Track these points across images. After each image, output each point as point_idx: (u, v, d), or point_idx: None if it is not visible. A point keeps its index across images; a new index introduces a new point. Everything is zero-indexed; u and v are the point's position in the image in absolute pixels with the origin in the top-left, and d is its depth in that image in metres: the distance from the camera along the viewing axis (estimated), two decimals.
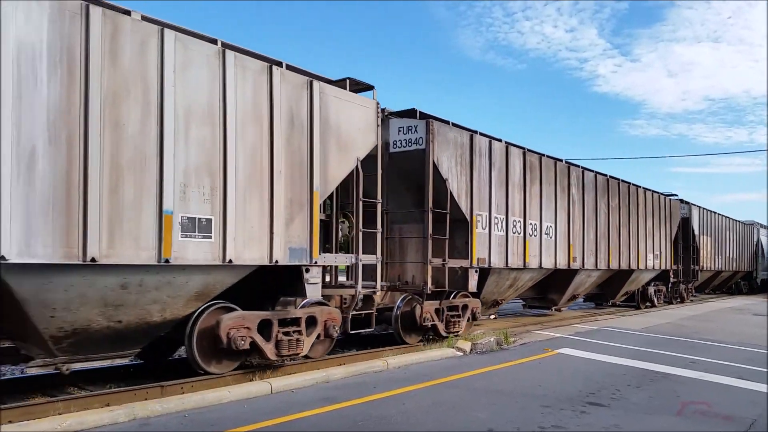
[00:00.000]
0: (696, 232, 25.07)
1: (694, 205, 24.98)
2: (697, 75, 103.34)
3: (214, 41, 7.34)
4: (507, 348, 10.77)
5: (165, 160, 6.57)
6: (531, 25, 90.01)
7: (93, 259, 5.92)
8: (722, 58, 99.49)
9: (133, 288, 6.47)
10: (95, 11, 6.02)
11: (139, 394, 6.61)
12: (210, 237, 7.01)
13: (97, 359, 6.88)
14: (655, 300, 22.15)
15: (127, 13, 6.40)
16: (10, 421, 5.53)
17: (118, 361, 7.35)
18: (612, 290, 19.60)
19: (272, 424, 5.76)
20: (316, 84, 8.44)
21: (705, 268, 26.48)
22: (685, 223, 24.33)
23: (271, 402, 6.62)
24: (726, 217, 30.13)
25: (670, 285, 23.12)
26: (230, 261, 7.21)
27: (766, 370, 9.43)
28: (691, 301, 25.91)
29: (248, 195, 7.51)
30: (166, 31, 6.64)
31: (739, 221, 33.28)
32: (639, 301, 21.51)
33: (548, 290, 16.08)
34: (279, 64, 8.08)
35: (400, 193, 11.31)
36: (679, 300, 24.55)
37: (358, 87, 9.56)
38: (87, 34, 5.98)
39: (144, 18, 6.56)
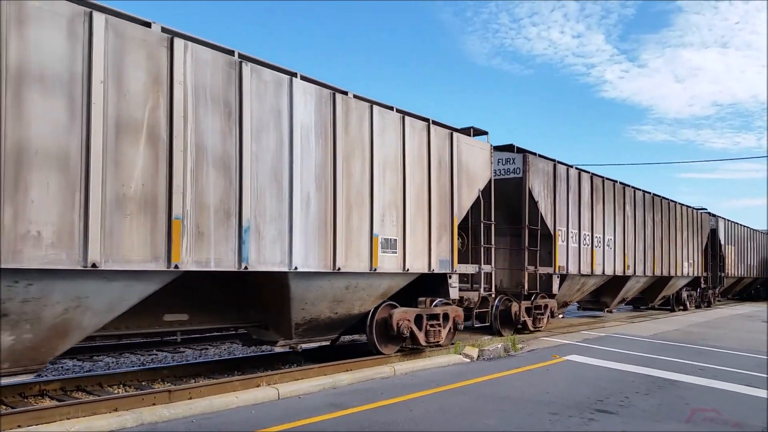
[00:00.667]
0: (722, 242, 27.84)
1: (720, 217, 27.73)
2: (705, 80, 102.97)
3: (390, 108, 9.93)
4: (514, 354, 10.73)
5: (374, 198, 9.33)
6: (538, 31, 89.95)
7: (339, 269, 8.67)
8: (730, 63, 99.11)
9: (351, 289, 9.17)
10: (339, 98, 8.80)
11: (147, 399, 6.62)
12: (396, 252, 9.76)
13: (314, 341, 9.58)
14: (688, 304, 24.46)
15: (345, 93, 9.02)
16: (19, 426, 5.55)
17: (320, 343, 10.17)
18: (651, 294, 21.85)
19: (280, 429, 5.75)
20: (454, 135, 11.15)
21: (729, 275, 28.98)
22: (713, 233, 27.04)
23: (278, 408, 6.62)
24: (747, 227, 32.83)
25: (699, 290, 25.54)
26: (407, 269, 9.93)
27: (766, 375, 9.37)
28: (718, 302, 28.99)
29: (416, 221, 10.19)
30: (375, 107, 9.42)
31: (758, 231, 35.47)
32: (674, 304, 23.97)
33: (601, 294, 18.58)
34: (426, 120, 10.66)
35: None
36: (706, 304, 26.70)
37: (477, 132, 12.13)
38: (334, 114, 8.75)
39: (356, 96, 9.20)
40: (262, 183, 7.72)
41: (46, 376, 8.66)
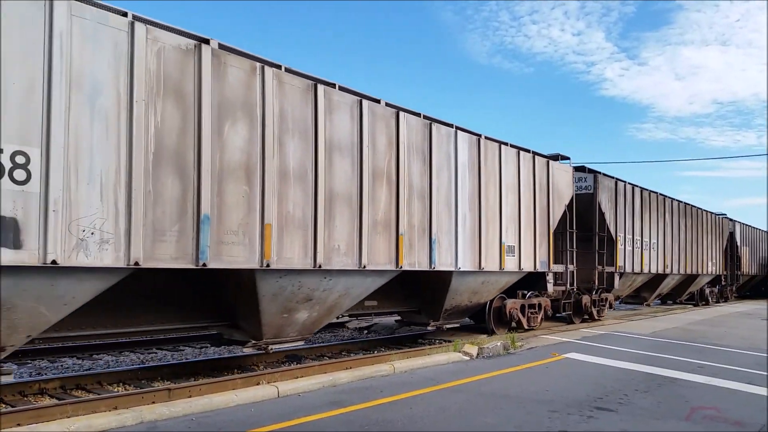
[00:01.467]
0: (738, 244, 31.64)
1: (737, 221, 31.86)
2: (705, 78, 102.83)
3: (507, 144, 13.03)
4: (514, 352, 10.74)
5: (502, 215, 12.64)
6: (538, 29, 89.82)
7: (483, 268, 11.99)
8: (731, 61, 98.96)
9: (485, 283, 12.55)
10: (482, 142, 12.15)
11: (147, 398, 6.63)
12: (514, 255, 12.91)
13: (452, 323, 12.78)
14: (710, 299, 27.97)
15: (479, 135, 12.13)
16: (18, 424, 5.56)
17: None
18: (680, 291, 25.44)
19: (279, 427, 5.76)
20: (550, 162, 14.45)
21: (744, 273, 33.20)
22: (731, 236, 30.74)
23: (278, 406, 6.62)
24: (760, 230, 36.87)
25: (719, 287, 29.32)
26: (522, 269, 13.24)
27: (766, 373, 9.38)
28: (735, 297, 32.52)
29: (526, 231, 13.38)
30: (502, 146, 12.74)
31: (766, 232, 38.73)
32: (698, 299, 27.19)
33: (641, 290, 21.78)
34: (531, 152, 13.76)
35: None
36: (724, 299, 30.12)
37: (563, 157, 15.60)
38: (478, 153, 12.03)
39: (487, 138, 12.35)
40: (441, 207, 10.96)
41: (45, 374, 8.67)
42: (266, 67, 7.85)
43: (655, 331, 15.13)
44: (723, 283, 29.54)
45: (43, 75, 5.71)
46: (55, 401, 6.75)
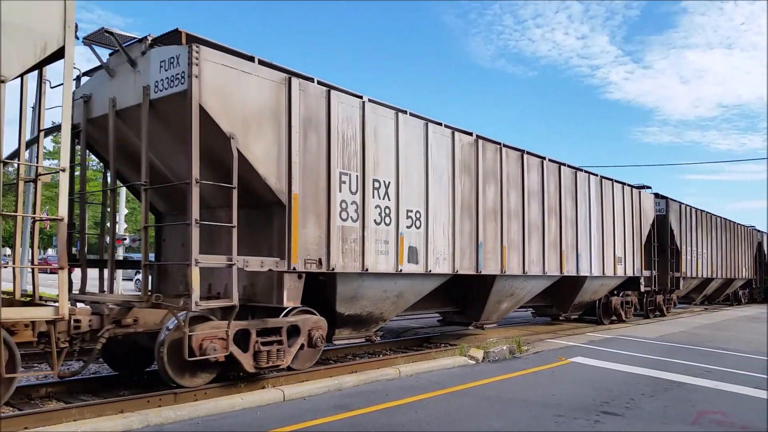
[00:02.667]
0: (766, 252, 36.68)
1: (764, 232, 36.68)
2: (710, 81, 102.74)
3: (611, 179, 16.92)
4: (520, 356, 10.72)
5: (616, 236, 16.86)
6: (542, 33, 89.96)
7: (604, 274, 16.11)
8: (735, 65, 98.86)
9: (603, 285, 16.80)
10: (603, 180, 16.46)
11: (153, 401, 6.66)
12: (621, 264, 17.10)
13: (575, 314, 17.46)
14: (742, 299, 33.20)
15: (597, 175, 16.27)
16: (26, 428, 5.59)
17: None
18: (718, 293, 29.70)
19: (285, 431, 5.77)
20: (641, 192, 18.72)
21: None
22: (759, 245, 35.16)
23: (283, 409, 6.63)
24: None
25: (749, 289, 34.45)
26: (626, 274, 17.54)
27: (766, 377, 9.35)
28: (763, 299, 35.92)
29: (628, 245, 17.69)
30: (616, 185, 17.13)
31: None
32: (732, 300, 32.20)
33: (691, 292, 25.44)
34: (626, 184, 17.78)
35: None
36: (753, 300, 34.85)
37: (646, 186, 19.62)
38: (601, 190, 16.27)
39: (603, 178, 16.51)
40: (581, 231, 15.10)
41: (52, 378, 8.69)
42: (506, 149, 12.53)
43: (662, 335, 15.07)
44: (753, 286, 34.68)
45: (423, 169, 10.32)
46: (62, 405, 6.77)
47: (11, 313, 5.70)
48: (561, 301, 16.04)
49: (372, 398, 7.20)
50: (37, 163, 6.97)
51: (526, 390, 7.96)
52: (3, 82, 5.55)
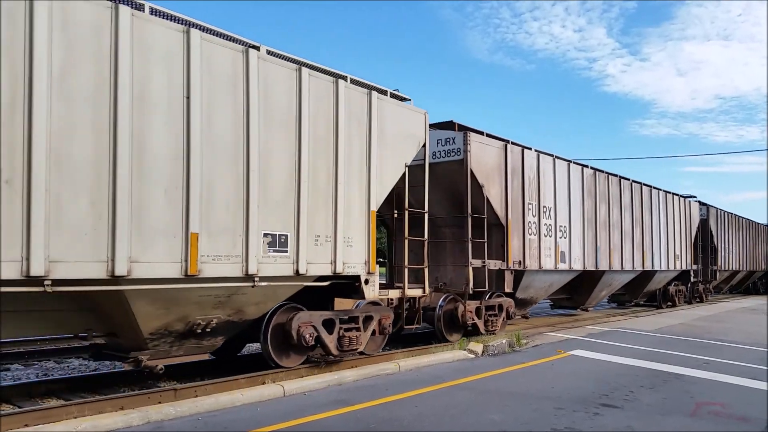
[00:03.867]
0: None
1: None
2: (708, 73, 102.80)
3: (660, 189, 20.61)
4: (519, 350, 10.74)
5: (675, 235, 21.88)
6: (539, 26, 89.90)
7: (669, 268, 21.39)
8: (733, 56, 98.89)
9: (665, 277, 21.47)
10: (668, 195, 21.54)
11: (153, 398, 6.66)
12: (679, 260, 22.15)
13: (641, 301, 21.98)
14: (760, 289, 37.43)
15: (659, 190, 20.80)
16: (26, 425, 5.59)
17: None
18: (741, 283, 34.78)
19: (286, 426, 5.78)
20: (692, 201, 23.39)
21: None
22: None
23: (283, 404, 6.64)
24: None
25: (766, 280, 37.74)
26: (682, 268, 22.39)
27: (766, 368, 9.39)
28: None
29: (684, 244, 22.71)
30: (674, 196, 22.07)
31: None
32: (752, 290, 37.07)
33: (724, 282, 29.75)
34: (675, 194, 21.45)
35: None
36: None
37: (691, 195, 23.91)
38: (666, 202, 21.38)
39: (666, 192, 21.31)
40: (655, 235, 19.61)
41: (52, 375, 8.70)
42: (610, 176, 17.21)
43: (660, 327, 15.10)
44: (762, 278, 38.56)
45: (567, 195, 15.10)
46: (61, 402, 6.77)
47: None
48: (633, 290, 20.39)
49: (372, 393, 7.21)
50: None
51: (526, 383, 7.98)
52: (407, 166, 9.83)
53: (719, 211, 27.36)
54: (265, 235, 7.47)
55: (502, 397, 7.17)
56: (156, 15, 6.69)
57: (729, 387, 8.12)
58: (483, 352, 10.14)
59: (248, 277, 7.26)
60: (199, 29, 6.94)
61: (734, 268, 29.58)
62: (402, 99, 10.07)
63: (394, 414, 6.27)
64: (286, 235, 7.75)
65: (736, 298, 31.99)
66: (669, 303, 22.54)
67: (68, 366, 9.48)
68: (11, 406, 6.79)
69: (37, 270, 5.47)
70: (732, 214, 29.65)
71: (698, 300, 25.28)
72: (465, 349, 10.12)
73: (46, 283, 5.57)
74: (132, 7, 6.32)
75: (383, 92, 9.61)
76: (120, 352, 7.14)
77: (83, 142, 5.84)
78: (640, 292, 20.83)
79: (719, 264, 26.74)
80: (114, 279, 6.03)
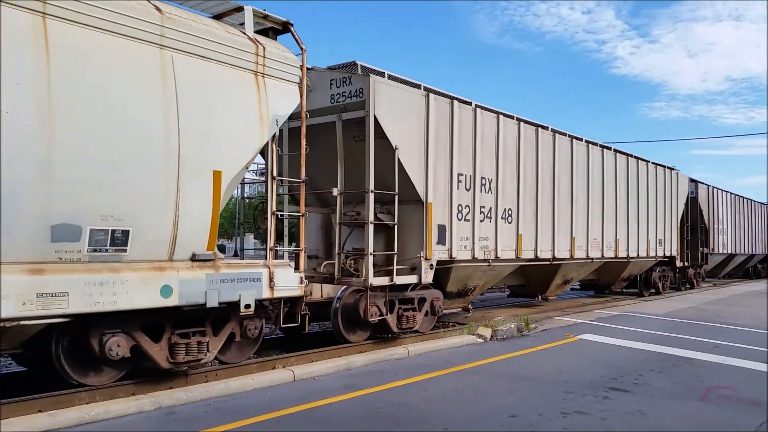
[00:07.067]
0: None
1: None
2: (718, 55, 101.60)
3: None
4: (528, 334, 10.74)
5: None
6: (547, 8, 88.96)
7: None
8: (744, 37, 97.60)
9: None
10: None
11: (164, 383, 6.69)
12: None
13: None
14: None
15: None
16: (39, 410, 5.63)
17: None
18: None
19: (296, 411, 5.81)
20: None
21: None
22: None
23: (294, 389, 6.67)
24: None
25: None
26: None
27: (766, 350, 9.35)
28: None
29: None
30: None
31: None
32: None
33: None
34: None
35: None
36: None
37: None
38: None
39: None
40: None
41: None
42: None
43: (669, 311, 15.06)
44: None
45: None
46: (73, 388, 6.82)
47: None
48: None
49: (381, 378, 7.23)
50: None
51: (535, 367, 7.98)
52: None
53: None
54: None
55: (511, 381, 7.17)
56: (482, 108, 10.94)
57: (739, 371, 8.09)
58: (492, 336, 10.15)
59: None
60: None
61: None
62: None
63: (403, 399, 6.29)
64: None
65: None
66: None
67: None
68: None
69: None
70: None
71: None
72: (474, 334, 10.13)
73: None
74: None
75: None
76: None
77: None
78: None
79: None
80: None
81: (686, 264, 22.44)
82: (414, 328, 9.99)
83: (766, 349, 9.65)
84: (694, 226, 22.95)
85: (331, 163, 9.55)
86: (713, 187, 25.48)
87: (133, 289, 5.86)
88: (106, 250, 5.75)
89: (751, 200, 31.67)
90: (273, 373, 7.13)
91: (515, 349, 9.24)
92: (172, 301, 6.16)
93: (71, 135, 5.47)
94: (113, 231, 5.79)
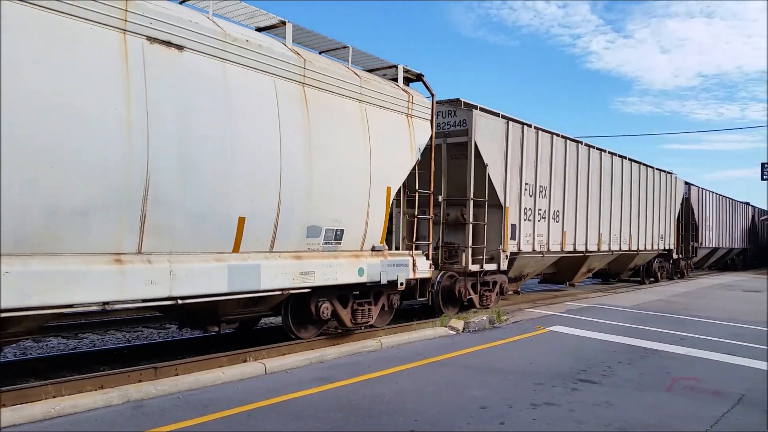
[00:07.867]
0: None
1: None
2: (691, 51, 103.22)
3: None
4: (499, 326, 10.84)
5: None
6: (523, 2, 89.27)
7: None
8: (716, 34, 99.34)
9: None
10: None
11: (133, 376, 6.62)
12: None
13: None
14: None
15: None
16: (3, 405, 5.52)
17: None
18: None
19: (267, 404, 5.78)
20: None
21: None
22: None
23: (265, 382, 6.64)
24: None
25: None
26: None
27: (754, 345, 9.57)
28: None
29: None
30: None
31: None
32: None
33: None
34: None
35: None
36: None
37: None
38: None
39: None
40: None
41: (30, 354, 8.61)
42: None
43: (638, 303, 15.33)
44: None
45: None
46: (40, 381, 6.70)
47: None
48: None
49: (354, 370, 7.24)
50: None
51: (506, 359, 8.06)
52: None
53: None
54: None
55: (482, 373, 7.24)
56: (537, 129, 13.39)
57: (704, 362, 8.28)
58: (464, 328, 10.22)
59: None
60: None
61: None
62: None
63: (375, 391, 6.31)
64: None
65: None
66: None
67: (47, 345, 9.39)
68: None
69: None
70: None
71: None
72: (446, 326, 10.18)
73: None
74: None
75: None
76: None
77: None
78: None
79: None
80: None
81: (680, 256, 25.78)
82: (489, 306, 12.74)
83: (736, 342, 9.89)
84: (686, 223, 26.24)
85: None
86: (702, 189, 28.78)
87: (344, 270, 8.46)
88: (331, 243, 8.38)
89: (732, 200, 35.00)
90: (244, 366, 7.09)
91: (486, 341, 9.32)
92: (363, 279, 8.81)
93: (320, 168, 8.00)
94: (336, 230, 8.39)
